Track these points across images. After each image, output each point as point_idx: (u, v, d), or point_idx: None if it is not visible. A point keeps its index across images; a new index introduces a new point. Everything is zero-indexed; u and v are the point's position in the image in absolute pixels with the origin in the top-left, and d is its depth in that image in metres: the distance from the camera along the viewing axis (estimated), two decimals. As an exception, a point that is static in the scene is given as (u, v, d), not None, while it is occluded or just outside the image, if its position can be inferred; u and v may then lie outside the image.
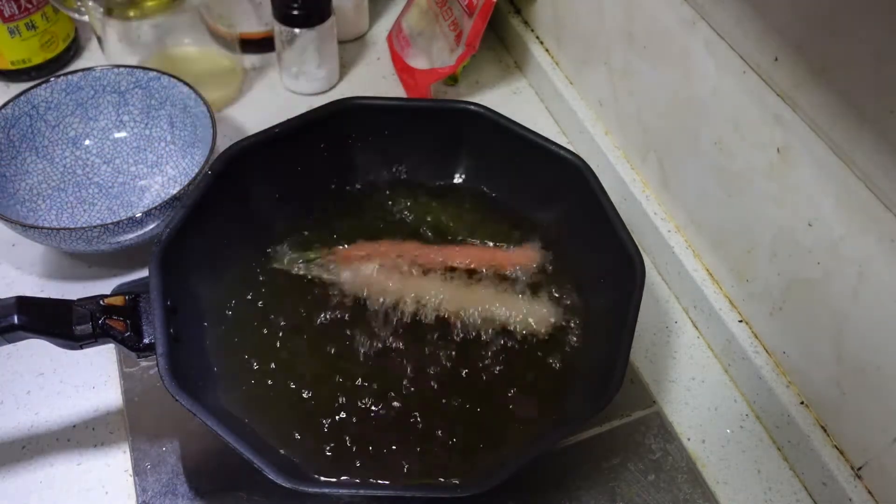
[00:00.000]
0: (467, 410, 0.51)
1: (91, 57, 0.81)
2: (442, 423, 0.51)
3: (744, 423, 0.58)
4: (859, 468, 0.51)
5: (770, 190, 0.52)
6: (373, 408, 0.51)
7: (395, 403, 0.51)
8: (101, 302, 0.48)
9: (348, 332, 0.55)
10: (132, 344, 0.48)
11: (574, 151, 0.57)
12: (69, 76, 0.66)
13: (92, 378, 0.57)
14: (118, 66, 0.67)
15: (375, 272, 0.57)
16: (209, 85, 0.73)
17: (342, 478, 0.48)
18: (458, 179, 0.63)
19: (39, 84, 0.65)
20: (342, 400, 0.51)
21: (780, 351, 0.56)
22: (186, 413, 0.45)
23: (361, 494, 0.51)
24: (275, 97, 0.79)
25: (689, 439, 0.57)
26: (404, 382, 0.52)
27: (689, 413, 0.58)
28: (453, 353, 0.54)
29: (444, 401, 0.52)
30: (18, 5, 0.72)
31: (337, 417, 0.51)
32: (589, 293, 0.56)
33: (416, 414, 0.51)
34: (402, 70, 0.79)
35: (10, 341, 0.46)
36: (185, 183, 0.60)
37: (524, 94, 0.81)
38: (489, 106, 0.60)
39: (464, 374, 0.53)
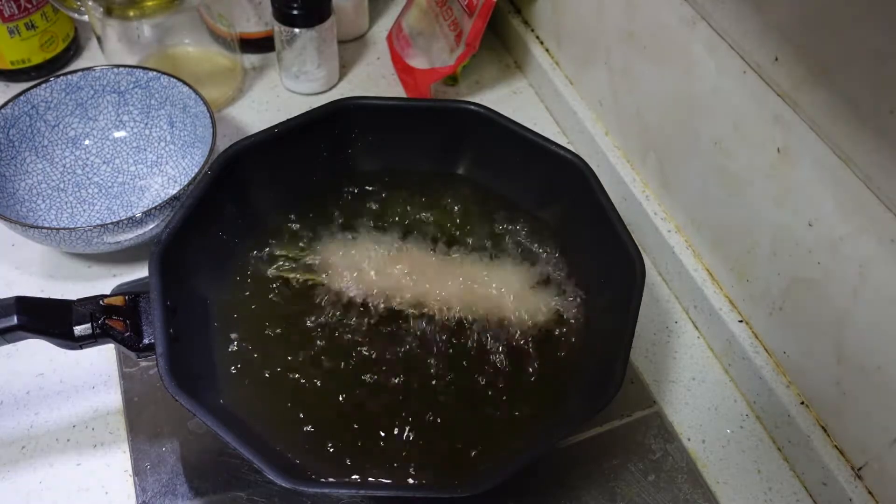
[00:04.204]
0: (467, 410, 0.51)
1: (91, 57, 0.81)
2: (442, 423, 0.51)
3: (744, 423, 0.58)
4: (859, 468, 0.51)
5: (770, 190, 0.52)
6: (372, 408, 0.51)
7: (395, 403, 0.51)
8: (101, 302, 0.48)
9: (348, 333, 0.54)
10: (132, 344, 0.48)
11: (574, 151, 0.57)
12: (69, 76, 0.66)
13: (91, 378, 0.57)
14: (118, 66, 0.67)
15: (374, 273, 0.57)
16: (209, 85, 0.73)
17: (342, 478, 0.48)
18: (457, 180, 0.63)
19: (39, 84, 0.65)
20: (342, 400, 0.51)
21: (780, 351, 0.56)
22: (186, 413, 0.45)
23: (361, 494, 0.51)
24: (275, 97, 0.79)
25: (689, 439, 0.57)
26: (404, 382, 0.52)
27: (689, 413, 0.58)
28: (452, 353, 0.54)
29: (443, 401, 0.52)
30: (18, 5, 0.72)
31: (337, 417, 0.51)
32: (589, 293, 0.56)
33: (416, 414, 0.51)
34: (402, 70, 0.79)
35: (9, 341, 0.46)
36: (185, 183, 0.60)
37: (524, 94, 0.81)
38: (489, 106, 0.60)
39: (463, 374, 0.53)
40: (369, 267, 0.57)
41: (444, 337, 0.55)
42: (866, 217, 0.45)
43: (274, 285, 0.56)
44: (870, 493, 0.50)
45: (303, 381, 0.52)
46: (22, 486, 0.52)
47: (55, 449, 0.54)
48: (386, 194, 0.62)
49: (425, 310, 0.56)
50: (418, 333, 0.55)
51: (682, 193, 0.62)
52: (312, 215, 0.61)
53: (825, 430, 0.53)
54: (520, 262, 0.58)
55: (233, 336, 0.54)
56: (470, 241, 0.60)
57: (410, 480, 0.48)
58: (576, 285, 0.57)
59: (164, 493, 0.52)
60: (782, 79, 0.48)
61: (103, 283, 0.63)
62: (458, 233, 0.60)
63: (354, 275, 0.57)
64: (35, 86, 0.65)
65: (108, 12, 0.69)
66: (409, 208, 0.62)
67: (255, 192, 0.59)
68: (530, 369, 0.53)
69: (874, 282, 0.46)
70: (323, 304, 0.56)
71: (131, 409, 0.55)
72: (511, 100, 0.80)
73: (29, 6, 0.73)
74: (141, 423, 0.55)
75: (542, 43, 0.79)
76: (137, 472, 0.53)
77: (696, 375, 0.60)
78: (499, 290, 0.57)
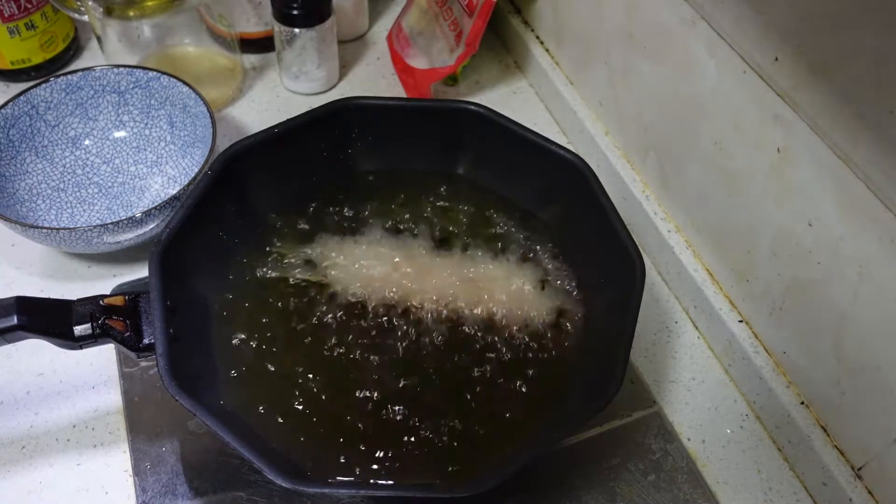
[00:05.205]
0: (467, 411, 0.51)
1: (91, 57, 0.81)
2: (442, 424, 0.51)
3: (744, 423, 0.58)
4: (859, 468, 0.51)
5: (770, 190, 0.52)
6: (372, 408, 0.51)
7: (395, 404, 0.51)
8: (101, 302, 0.48)
9: (348, 333, 0.55)
10: (132, 344, 0.48)
11: (574, 151, 0.57)
12: (69, 76, 0.66)
13: (92, 378, 0.57)
14: (118, 66, 0.67)
15: (374, 273, 0.57)
16: (209, 85, 0.73)
17: (342, 478, 0.48)
18: (457, 180, 0.63)
19: (39, 84, 0.65)
20: (342, 400, 0.51)
21: (780, 351, 0.56)
22: (186, 413, 0.45)
23: (361, 494, 0.51)
24: (275, 97, 0.79)
25: (689, 439, 0.57)
26: (404, 382, 0.52)
27: (689, 413, 0.58)
28: (453, 353, 0.54)
29: (443, 401, 0.52)
30: (18, 5, 0.72)
31: (337, 417, 0.51)
32: (589, 293, 0.56)
33: (416, 414, 0.51)
34: (402, 70, 0.79)
35: (9, 341, 0.46)
36: (185, 183, 0.60)
37: (524, 94, 0.81)
38: (489, 106, 0.60)
39: (464, 374, 0.53)
40: (369, 267, 0.57)
41: (444, 337, 0.55)
42: (866, 217, 0.45)
43: (274, 285, 0.56)
44: (870, 493, 0.50)
45: (303, 381, 0.52)
46: (22, 486, 0.52)
47: (55, 449, 0.54)
48: (386, 194, 0.62)
49: (425, 310, 0.56)
50: (418, 334, 0.55)
51: (682, 193, 0.62)
52: (312, 215, 0.61)
53: (825, 430, 0.53)
54: (520, 262, 0.58)
55: (233, 336, 0.54)
56: (470, 241, 0.60)
57: (410, 480, 0.48)
58: (576, 285, 0.57)
59: (164, 493, 0.52)
60: (782, 79, 0.48)
61: (103, 283, 0.63)
62: (457, 233, 0.60)
63: (354, 275, 0.57)
64: (35, 86, 0.65)
65: (108, 12, 0.69)
66: (408, 208, 0.62)
67: (255, 192, 0.59)
68: (530, 369, 0.53)
69: (874, 282, 0.46)
70: (323, 303, 0.56)
71: (131, 409, 0.55)
72: (511, 100, 0.80)
73: (29, 6, 0.73)
74: (141, 423, 0.55)
75: (542, 43, 0.79)
76: (137, 472, 0.53)
77: (696, 375, 0.60)
78: (499, 290, 0.57)
